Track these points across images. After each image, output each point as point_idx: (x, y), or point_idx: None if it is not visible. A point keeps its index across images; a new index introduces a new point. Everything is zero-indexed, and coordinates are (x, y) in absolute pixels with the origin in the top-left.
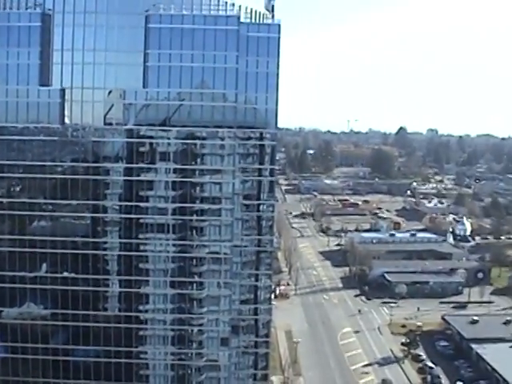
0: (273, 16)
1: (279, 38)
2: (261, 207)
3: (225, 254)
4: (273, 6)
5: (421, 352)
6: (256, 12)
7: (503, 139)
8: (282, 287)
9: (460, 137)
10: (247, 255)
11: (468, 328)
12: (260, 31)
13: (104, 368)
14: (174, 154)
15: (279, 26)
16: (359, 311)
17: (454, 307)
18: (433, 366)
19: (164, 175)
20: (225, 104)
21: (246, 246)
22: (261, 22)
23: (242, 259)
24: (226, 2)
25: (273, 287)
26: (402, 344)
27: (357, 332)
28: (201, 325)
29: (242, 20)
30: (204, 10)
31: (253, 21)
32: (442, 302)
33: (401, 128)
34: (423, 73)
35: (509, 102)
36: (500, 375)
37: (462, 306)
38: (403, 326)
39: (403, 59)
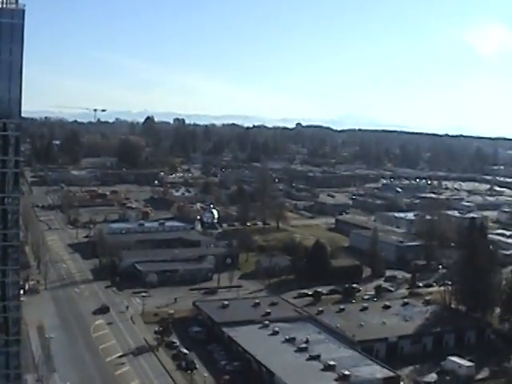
0: (17, 1)
1: (23, 24)
2: (5, 200)
3: None
4: None
5: (174, 339)
6: None
7: (248, 128)
8: (32, 282)
9: (206, 126)
10: None
11: (219, 312)
12: (2, 17)
13: None
14: None
15: (23, 11)
16: (127, 308)
17: (204, 293)
18: (187, 351)
19: None
20: None
21: None
22: (4, 7)
23: None
24: None
25: (21, 283)
26: (156, 332)
27: (110, 324)
28: None
29: None
30: None
31: None
32: (192, 289)
33: (148, 118)
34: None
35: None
36: (252, 355)
37: (213, 291)
38: (156, 315)
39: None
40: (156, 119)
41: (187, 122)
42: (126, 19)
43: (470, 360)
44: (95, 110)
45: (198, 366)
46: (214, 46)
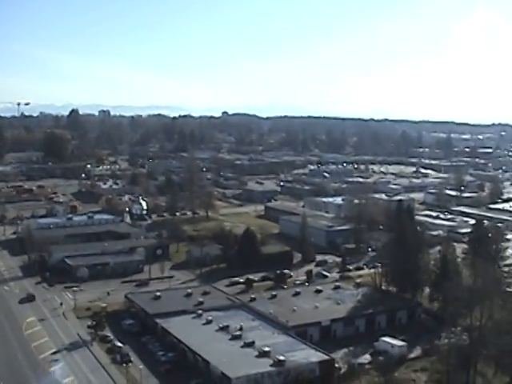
0: None
1: None
2: None
3: None
4: None
5: (108, 333)
6: None
7: (174, 118)
8: None
9: (132, 117)
10: None
11: (151, 304)
12: None
13: None
14: None
15: None
16: (61, 304)
17: (136, 285)
18: (121, 344)
19: None
20: None
21: None
22: None
23: None
24: None
25: None
26: (89, 327)
27: (42, 320)
28: None
29: None
30: None
31: None
32: (124, 282)
33: (73, 110)
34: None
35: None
36: (186, 345)
37: (144, 283)
38: (88, 309)
39: None
40: (81, 111)
41: (112, 113)
42: (47, 11)
43: (402, 340)
44: (18, 104)
45: (132, 358)
46: (135, 36)
